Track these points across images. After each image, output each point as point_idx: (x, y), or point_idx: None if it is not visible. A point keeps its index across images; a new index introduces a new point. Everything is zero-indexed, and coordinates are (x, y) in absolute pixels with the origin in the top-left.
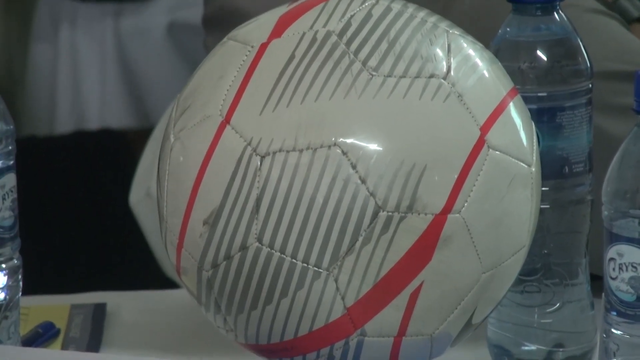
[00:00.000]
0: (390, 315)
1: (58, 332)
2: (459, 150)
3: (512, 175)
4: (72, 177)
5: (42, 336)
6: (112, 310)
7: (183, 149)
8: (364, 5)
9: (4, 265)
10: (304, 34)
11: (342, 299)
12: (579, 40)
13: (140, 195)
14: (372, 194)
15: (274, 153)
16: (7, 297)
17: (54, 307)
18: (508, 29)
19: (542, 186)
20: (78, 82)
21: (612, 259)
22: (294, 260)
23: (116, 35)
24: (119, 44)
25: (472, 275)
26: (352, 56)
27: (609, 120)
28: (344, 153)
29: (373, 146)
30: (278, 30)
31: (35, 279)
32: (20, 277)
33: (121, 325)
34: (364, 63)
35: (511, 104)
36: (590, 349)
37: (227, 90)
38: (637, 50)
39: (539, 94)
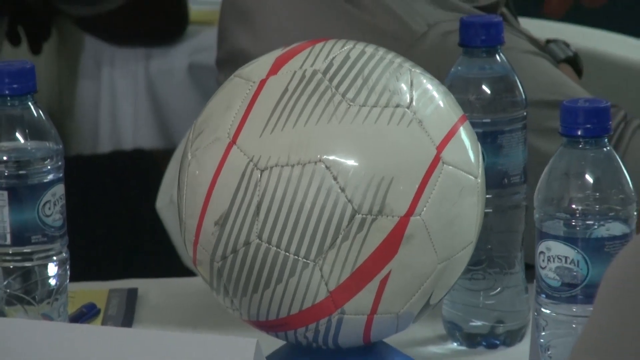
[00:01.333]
0: (364, 297)
1: (99, 311)
2: (419, 165)
3: (462, 185)
4: (111, 187)
5: (85, 314)
6: (142, 294)
7: (198, 165)
8: (343, 49)
9: (54, 258)
10: (295, 72)
11: (326, 284)
12: (515, 77)
13: (165, 202)
14: (349, 201)
15: (271, 168)
16: (58, 283)
17: (95, 291)
18: (459, 68)
19: (486, 194)
20: (115, 112)
21: (542, 252)
22: (287, 254)
23: (146, 73)
24: (148, 80)
25: (430, 265)
26: (333, 90)
27: (540, 140)
28: (327, 167)
29: (350, 162)
30: (274, 69)
31: (80, 268)
32: (67, 267)
33: (149, 306)
34: (343, 95)
35: (461, 128)
36: (524, 325)
37: (234, 117)
38: (564, 83)
39: (484, 120)
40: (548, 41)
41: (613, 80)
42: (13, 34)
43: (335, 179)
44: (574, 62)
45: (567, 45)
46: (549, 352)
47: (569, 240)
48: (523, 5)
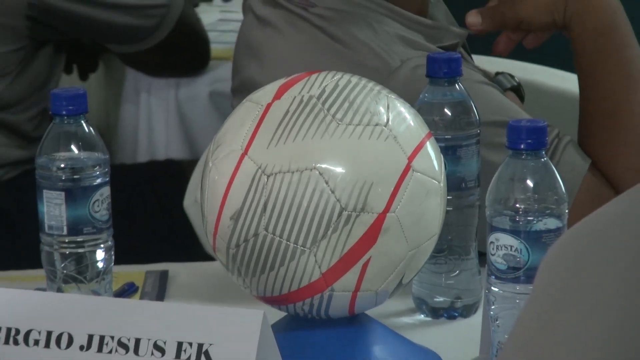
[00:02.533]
0: (350, 278)
1: (137, 288)
2: (394, 172)
3: (428, 188)
4: (147, 190)
5: (126, 291)
6: (172, 275)
7: (217, 172)
8: (333, 79)
9: (102, 245)
10: (295, 97)
11: (319, 267)
12: (471, 102)
13: (190, 201)
14: (338, 200)
15: (276, 174)
16: (104, 265)
17: (134, 272)
18: (426, 95)
19: (447, 196)
20: (151, 129)
21: (492, 242)
22: (288, 242)
23: (176, 99)
24: (177, 104)
25: (402, 252)
26: (325, 112)
27: (491, 153)
28: (320, 174)
29: (339, 169)
30: (278, 95)
31: (123, 254)
32: (112, 252)
33: (177, 284)
34: (333, 116)
35: (428, 143)
36: (478, 300)
37: (245, 133)
38: (510, 107)
39: (446, 137)
40: (496, 73)
41: (548, 105)
42: (68, 67)
43: (326, 182)
44: (518, 90)
45: (512, 76)
46: (497, 322)
47: (514, 232)
48: (476, 45)
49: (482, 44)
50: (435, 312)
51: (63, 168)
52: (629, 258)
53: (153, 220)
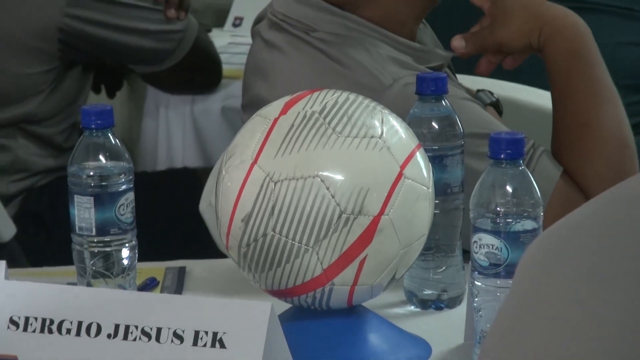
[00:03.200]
0: (348, 273)
1: (158, 283)
2: (388, 179)
3: (418, 193)
4: (167, 195)
5: (148, 285)
6: (189, 271)
7: (230, 178)
8: (333, 96)
9: (127, 245)
10: (299, 112)
11: (321, 264)
12: (456, 117)
13: (205, 205)
14: (338, 204)
15: (282, 180)
16: (129, 262)
17: (155, 269)
18: (415, 110)
19: (435, 200)
20: (169, 141)
21: (475, 241)
22: (293, 242)
23: (192, 113)
24: (193, 118)
25: (395, 251)
26: (326, 125)
27: (474, 161)
28: (322, 180)
29: (339, 177)
30: (284, 110)
31: (145, 252)
32: (136, 251)
33: (194, 279)
34: (333, 129)
35: (418, 153)
36: (462, 293)
37: (255, 144)
38: (490, 121)
39: (433, 147)
40: (478, 90)
41: (524, 118)
42: (96, 86)
43: (327, 188)
44: (496, 106)
45: (491, 93)
46: (480, 313)
47: (495, 233)
48: (460, 66)
49: (465, 64)
50: (424, 304)
51: (92, 176)
52: (596, 257)
53: (172, 221)
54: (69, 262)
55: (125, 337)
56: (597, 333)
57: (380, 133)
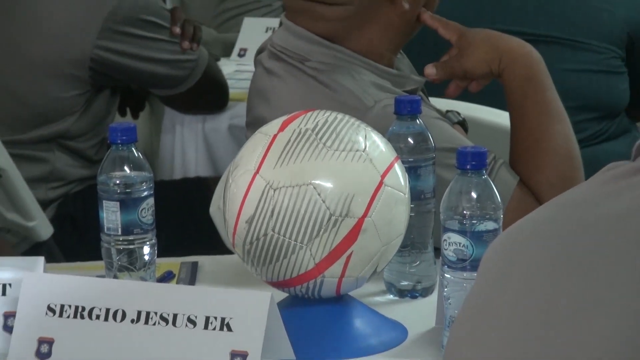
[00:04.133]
0: (336, 267)
1: (174, 276)
2: (370, 186)
3: (396, 199)
4: (181, 200)
5: (166, 278)
6: (201, 265)
7: (236, 186)
8: (323, 115)
9: (148, 243)
10: (294, 129)
11: (313, 259)
12: (428, 133)
13: (215, 209)
14: (328, 208)
15: (280, 188)
16: (149, 258)
17: (172, 263)
18: (394, 127)
19: (410, 204)
20: (184, 154)
21: (445, 239)
22: (289, 240)
23: (203, 130)
24: (204, 135)
25: (377, 248)
26: (318, 140)
27: (444, 171)
28: (314, 188)
29: (328, 184)
30: (282, 128)
31: (163, 249)
32: (155, 248)
33: (205, 272)
34: (324, 144)
35: (396, 164)
36: (434, 284)
37: (257, 157)
38: (458, 137)
39: (409, 160)
40: (447, 111)
41: (486, 135)
42: (122, 108)
43: (319, 194)
44: (463, 124)
45: (458, 113)
46: (449, 301)
47: (461, 232)
48: (432, 89)
49: (437, 88)
50: (402, 293)
51: (118, 184)
52: (548, 253)
53: (186, 223)
54: (98, 257)
55: (146, 322)
56: (547, 316)
57: (364, 147)
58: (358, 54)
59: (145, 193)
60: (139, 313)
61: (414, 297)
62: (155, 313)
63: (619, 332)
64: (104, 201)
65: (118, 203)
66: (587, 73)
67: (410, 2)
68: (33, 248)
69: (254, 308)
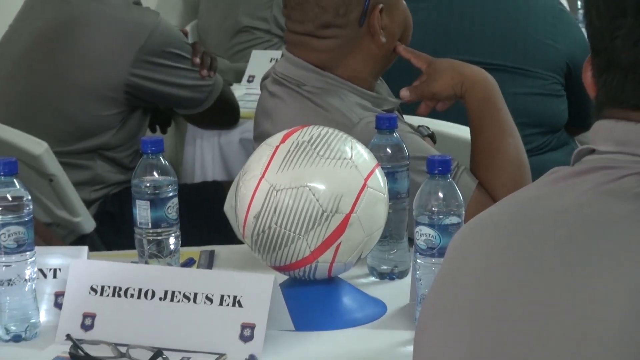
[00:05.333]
0: (328, 254)
1: (194, 261)
2: (355, 188)
3: (377, 198)
4: (201, 200)
5: (188, 263)
6: (217, 253)
7: (245, 188)
8: (317, 130)
9: (173, 234)
10: (293, 141)
11: (309, 247)
12: (403, 144)
13: (228, 207)
14: (321, 206)
15: (282, 189)
16: (174, 247)
17: (192, 252)
18: (375, 140)
19: (389, 202)
20: (203, 162)
21: (417, 231)
22: (289, 232)
23: (219, 143)
24: (220, 146)
25: (360, 238)
26: (313, 150)
27: (416, 176)
28: (310, 189)
29: (321, 187)
30: (283, 140)
31: (186, 240)
32: (179, 239)
33: (221, 259)
34: (317, 153)
35: (377, 170)
36: (408, 268)
37: (263, 164)
38: (427, 148)
39: (387, 166)
40: (418, 126)
41: (450, 146)
42: (152, 125)
43: (313, 195)
44: (432, 137)
45: (428, 128)
46: (420, 282)
47: (431, 225)
48: (406, 108)
49: (410, 108)
50: (382, 275)
51: (148, 186)
52: (499, 241)
53: (204, 218)
54: (132, 247)
55: (172, 300)
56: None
57: (350, 156)
58: (345, 80)
59: (171, 194)
60: (166, 292)
61: (392, 278)
62: (179, 292)
63: (558, 299)
64: (136, 200)
65: (148, 202)
66: (534, 96)
67: (387, 37)
68: (78, 239)
69: (260, 288)
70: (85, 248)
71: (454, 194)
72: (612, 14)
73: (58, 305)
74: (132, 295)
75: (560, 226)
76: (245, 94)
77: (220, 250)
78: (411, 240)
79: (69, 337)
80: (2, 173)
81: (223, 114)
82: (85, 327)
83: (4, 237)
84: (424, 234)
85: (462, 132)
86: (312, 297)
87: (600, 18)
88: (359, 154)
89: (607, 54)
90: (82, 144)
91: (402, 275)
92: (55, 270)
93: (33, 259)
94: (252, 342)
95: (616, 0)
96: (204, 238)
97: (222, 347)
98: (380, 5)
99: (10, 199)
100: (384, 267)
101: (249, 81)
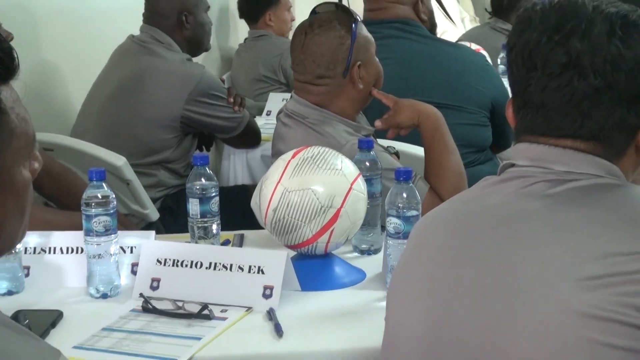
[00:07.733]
0: (325, 237)
1: (229, 242)
2: (344, 190)
3: (359, 198)
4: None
5: (225, 243)
6: (246, 236)
7: (266, 190)
8: (317, 149)
9: (215, 222)
10: (301, 157)
11: (311, 232)
12: (378, 160)
13: (254, 203)
14: (320, 203)
15: (292, 191)
16: (216, 231)
17: (228, 235)
18: (358, 156)
19: (367, 201)
20: (235, 171)
21: (388, 221)
22: (297, 221)
23: (246, 158)
24: (247, 160)
25: (348, 226)
26: (314, 164)
27: (387, 182)
28: (312, 191)
29: (320, 189)
30: (293, 156)
31: (224, 226)
32: (219, 226)
33: (249, 240)
34: (317, 165)
35: (359, 178)
36: (381, 247)
37: (279, 173)
38: (394, 162)
39: (366, 175)
40: (387, 146)
41: (410, 160)
42: (199, 146)
43: (315, 195)
44: (397, 154)
45: (394, 147)
46: (390, 257)
47: (398, 216)
48: (379, 134)
49: (381, 133)
50: (362, 252)
51: (198, 188)
52: (448, 230)
53: (236, 211)
54: (186, 231)
55: (214, 269)
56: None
57: (340, 167)
58: (335, 114)
59: (214, 194)
60: (210, 263)
61: (369, 254)
62: (219, 263)
63: (490, 269)
64: (189, 198)
65: (198, 200)
66: (468, 126)
67: (364, 84)
68: (147, 226)
69: (277, 260)
70: (153, 232)
71: (414, 194)
72: (527, 68)
73: (134, 272)
74: (186, 266)
75: (491, 218)
76: (265, 124)
77: (249, 234)
78: (383, 227)
79: (141, 295)
80: (94, 179)
81: (249, 137)
82: (153, 288)
83: (96, 224)
84: (393, 222)
85: (418, 151)
86: (313, 267)
87: (518, 70)
88: (347, 166)
89: (524, 96)
90: (149, 158)
91: (376, 251)
92: (132, 247)
93: (116, 239)
94: (271, 299)
95: (529, 58)
96: (237, 225)
97: (249, 302)
98: (359, 62)
99: (100, 197)
100: (364, 246)
101: (267, 115)
